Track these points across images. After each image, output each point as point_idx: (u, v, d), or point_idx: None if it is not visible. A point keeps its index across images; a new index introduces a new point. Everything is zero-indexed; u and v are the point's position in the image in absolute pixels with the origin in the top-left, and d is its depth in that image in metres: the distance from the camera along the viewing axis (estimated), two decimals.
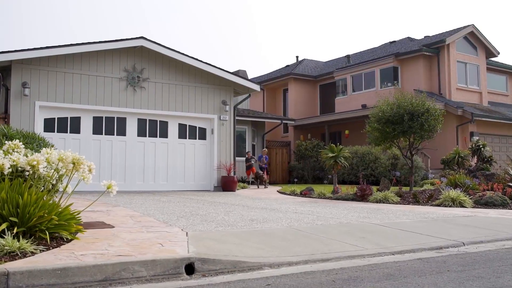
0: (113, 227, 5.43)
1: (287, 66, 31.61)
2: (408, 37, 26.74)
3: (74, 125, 12.96)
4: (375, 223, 6.37)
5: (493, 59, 24.87)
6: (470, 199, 9.39)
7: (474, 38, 23.17)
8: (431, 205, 9.46)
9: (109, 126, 13.41)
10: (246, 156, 19.55)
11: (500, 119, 21.22)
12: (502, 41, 63.85)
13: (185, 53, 13.94)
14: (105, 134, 13.33)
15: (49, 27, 73.66)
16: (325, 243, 4.83)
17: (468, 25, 22.69)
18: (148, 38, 13.39)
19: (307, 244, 4.73)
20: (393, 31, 71.52)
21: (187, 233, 5.01)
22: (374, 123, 12.12)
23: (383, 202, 10.10)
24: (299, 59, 31.93)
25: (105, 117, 13.37)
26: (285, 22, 75.70)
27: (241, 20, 78.67)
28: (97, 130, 13.23)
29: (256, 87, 15.09)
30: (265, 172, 18.70)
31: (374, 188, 11.71)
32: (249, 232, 5.26)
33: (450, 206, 9.12)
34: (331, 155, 12.32)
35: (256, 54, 74.62)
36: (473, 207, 9.14)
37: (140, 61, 13.73)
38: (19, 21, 70.24)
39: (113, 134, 13.44)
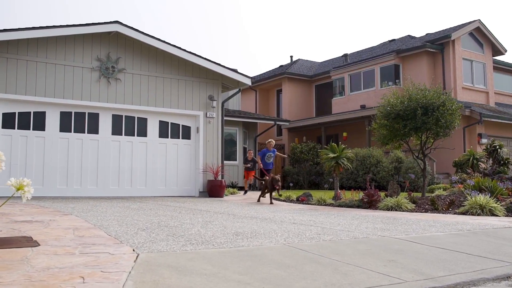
0: (37, 245, 3.80)
1: (281, 66, 30.12)
2: (409, 35, 25.34)
3: (38, 121, 11.31)
4: (400, 237, 4.79)
5: (498, 58, 23.50)
6: (501, 206, 7.85)
7: (480, 34, 21.79)
8: (454, 213, 7.90)
9: (79, 122, 11.77)
10: (247, 156, 15.68)
11: (509, 120, 19.77)
12: (507, 40, 62.77)
13: (166, 40, 12.35)
14: (75, 131, 11.68)
15: (41, 9, 71.67)
16: (342, 272, 3.23)
17: (474, 20, 21.31)
18: (123, 22, 11.79)
19: (315, 274, 3.13)
20: (391, 32, 70.28)
21: (137, 256, 3.40)
22: (381, 119, 10.59)
23: (396, 210, 8.53)
24: (293, 59, 30.46)
25: (75, 112, 11.73)
26: (278, 23, 74.35)
27: (231, 20, 77.24)
28: (65, 127, 11.59)
29: (247, 81, 13.51)
30: (267, 176, 11.89)
31: (381, 194, 10.17)
32: (230, 254, 3.66)
33: (478, 215, 7.56)
34: (332, 155, 10.75)
35: (247, 57, 73.09)
36: (506, 215, 7.59)
37: (115, 49, 12.11)
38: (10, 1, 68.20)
39: (84, 132, 11.80)
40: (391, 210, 8.54)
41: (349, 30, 73.75)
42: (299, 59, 29.96)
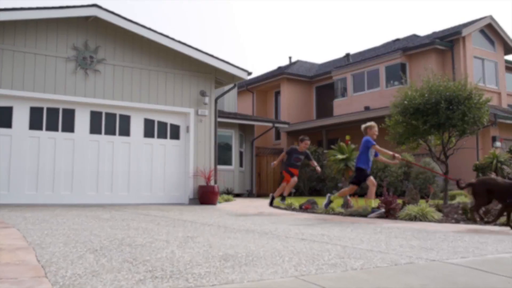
0: None
1: (279, 67, 28.76)
2: (414, 34, 24.06)
3: (3, 118, 9.90)
4: (458, 262, 3.38)
5: (507, 57, 22.22)
6: None
7: (491, 31, 20.51)
8: (494, 224, 6.50)
9: (51, 119, 10.35)
10: (297, 146, 9.95)
11: None
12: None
13: (152, 28, 10.97)
14: (47, 129, 10.26)
15: None
16: None
17: (485, 16, 20.05)
18: (103, 7, 10.40)
19: None
20: (394, 33, 68.83)
21: None
22: (397, 115, 9.21)
23: (420, 220, 7.13)
24: (292, 60, 29.11)
25: (47, 108, 10.32)
26: (275, 23, 73.16)
27: (225, 18, 76.03)
28: (35, 125, 10.17)
29: (243, 74, 12.12)
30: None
31: (398, 201, 8.76)
32: None
33: None
34: (340, 157, 9.37)
35: (242, 58, 71.71)
36: None
37: (94, 36, 10.72)
38: None
39: (57, 130, 10.38)
40: (415, 220, 7.15)
41: (349, 32, 72.42)
42: (298, 60, 28.64)
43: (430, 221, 7.09)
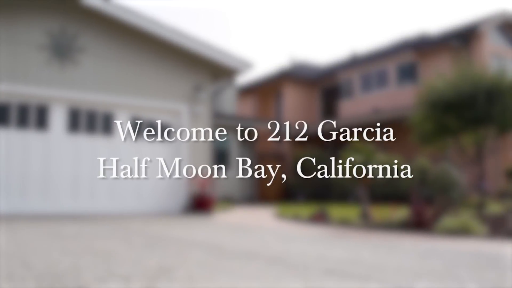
0: None
1: (281, 69, 27.39)
2: (423, 33, 22.69)
3: None
4: None
5: None
6: None
7: (508, 28, 19.17)
8: None
9: (22, 116, 8.96)
10: None
11: None
12: None
13: (141, 14, 9.62)
14: (16, 127, 8.87)
15: None
16: None
17: (502, 11, 18.70)
18: None
19: None
20: (396, 28, 67.27)
21: None
22: (426, 110, 7.84)
23: (460, 233, 5.74)
24: (295, 61, 27.75)
25: (16, 102, 8.93)
26: (276, 24, 71.95)
27: (221, 17, 74.81)
28: (2, 122, 8.78)
29: (245, 67, 10.69)
30: None
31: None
32: None
33: None
34: (358, 160, 7.97)
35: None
36: None
37: (73, 22, 9.36)
38: None
39: (28, 128, 8.98)
40: (456, 235, 5.75)
41: (350, 29, 71.04)
42: (301, 61, 27.31)
43: (475, 236, 5.70)
